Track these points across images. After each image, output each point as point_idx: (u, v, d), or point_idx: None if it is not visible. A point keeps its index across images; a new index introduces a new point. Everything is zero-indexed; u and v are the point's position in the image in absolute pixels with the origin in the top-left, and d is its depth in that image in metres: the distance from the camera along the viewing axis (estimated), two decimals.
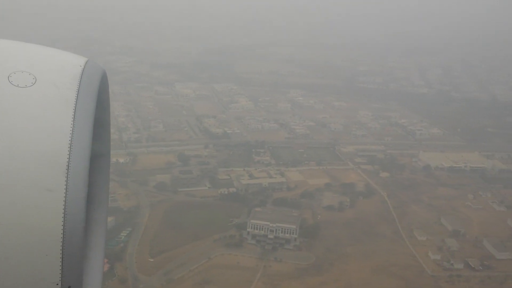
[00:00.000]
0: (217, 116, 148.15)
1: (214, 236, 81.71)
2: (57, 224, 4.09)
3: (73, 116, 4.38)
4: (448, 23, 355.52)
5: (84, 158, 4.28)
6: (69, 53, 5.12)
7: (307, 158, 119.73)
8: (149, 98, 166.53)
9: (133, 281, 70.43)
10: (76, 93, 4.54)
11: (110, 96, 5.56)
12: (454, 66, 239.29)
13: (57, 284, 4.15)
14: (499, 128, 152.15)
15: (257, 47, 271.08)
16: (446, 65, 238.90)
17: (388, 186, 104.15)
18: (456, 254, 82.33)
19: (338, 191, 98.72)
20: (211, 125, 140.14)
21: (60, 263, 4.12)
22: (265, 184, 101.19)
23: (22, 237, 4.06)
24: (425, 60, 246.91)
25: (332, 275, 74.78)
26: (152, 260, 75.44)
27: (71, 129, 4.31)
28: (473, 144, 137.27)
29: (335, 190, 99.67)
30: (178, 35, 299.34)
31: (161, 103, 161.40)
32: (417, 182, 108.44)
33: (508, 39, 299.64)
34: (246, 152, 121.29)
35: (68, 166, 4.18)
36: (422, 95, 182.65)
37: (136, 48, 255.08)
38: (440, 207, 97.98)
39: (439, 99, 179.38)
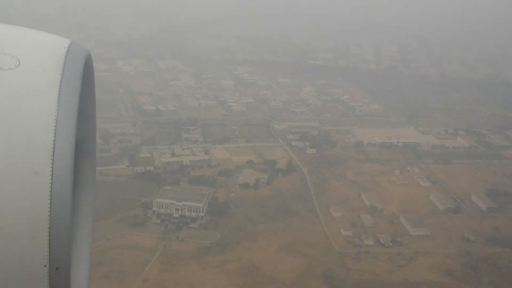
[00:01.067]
0: (153, 94, 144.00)
1: (117, 215, 78.63)
2: (43, 207, 4.08)
3: (57, 99, 4.35)
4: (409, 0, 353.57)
5: (69, 140, 4.26)
6: (52, 34, 4.99)
7: (238, 136, 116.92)
8: None
9: None
10: (61, 75, 4.51)
11: None
12: (411, 43, 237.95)
13: (45, 266, 4.16)
14: (443, 104, 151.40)
15: (211, 24, 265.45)
16: (402, 42, 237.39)
17: (312, 163, 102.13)
18: (369, 231, 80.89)
19: (258, 169, 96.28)
20: (145, 102, 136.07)
21: (48, 245, 4.12)
22: (186, 162, 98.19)
23: (8, 220, 4.04)
24: (381, 37, 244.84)
25: (235, 254, 72.55)
26: None
27: (56, 111, 4.28)
28: (413, 120, 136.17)
29: (256, 167, 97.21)
30: (132, 11, 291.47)
31: (97, 80, 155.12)
32: (344, 158, 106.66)
33: (467, 16, 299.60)
34: (176, 129, 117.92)
35: (53, 148, 4.16)
36: (370, 71, 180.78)
37: (88, 25, 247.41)
38: (363, 183, 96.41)
39: (387, 75, 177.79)
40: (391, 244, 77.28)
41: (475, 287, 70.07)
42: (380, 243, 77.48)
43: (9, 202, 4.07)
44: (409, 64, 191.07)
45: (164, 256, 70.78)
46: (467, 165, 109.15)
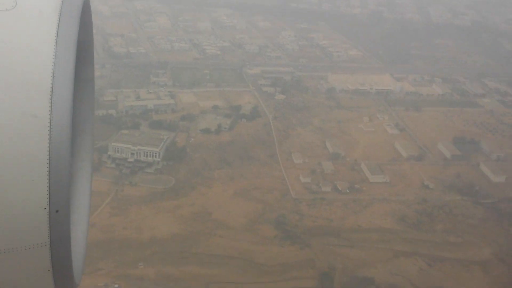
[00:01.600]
0: (126, 35, 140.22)
1: None
2: (42, 150, 4.07)
3: (55, 40, 4.28)
4: None
5: (67, 83, 4.21)
6: None
7: (209, 80, 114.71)
8: None
9: None
10: (58, 16, 4.40)
11: None
12: None
13: (45, 208, 4.17)
14: (423, 50, 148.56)
15: None
16: None
17: (279, 109, 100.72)
18: (329, 178, 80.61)
19: (222, 114, 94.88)
20: (116, 44, 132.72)
21: (47, 188, 4.12)
22: (150, 106, 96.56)
23: (7, 163, 4.02)
24: None
25: (188, 199, 72.35)
26: None
27: (54, 53, 4.22)
28: (391, 66, 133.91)
29: (220, 112, 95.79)
30: None
31: None
32: (313, 105, 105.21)
33: None
34: (145, 73, 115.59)
35: (51, 91, 4.12)
36: (354, 16, 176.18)
37: None
38: (329, 130, 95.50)
39: (371, 20, 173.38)
40: (348, 191, 77.17)
41: (427, 233, 70.44)
42: (337, 190, 77.36)
43: (8, 145, 4.03)
44: (395, 9, 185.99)
45: (115, 201, 70.51)
46: (439, 113, 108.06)
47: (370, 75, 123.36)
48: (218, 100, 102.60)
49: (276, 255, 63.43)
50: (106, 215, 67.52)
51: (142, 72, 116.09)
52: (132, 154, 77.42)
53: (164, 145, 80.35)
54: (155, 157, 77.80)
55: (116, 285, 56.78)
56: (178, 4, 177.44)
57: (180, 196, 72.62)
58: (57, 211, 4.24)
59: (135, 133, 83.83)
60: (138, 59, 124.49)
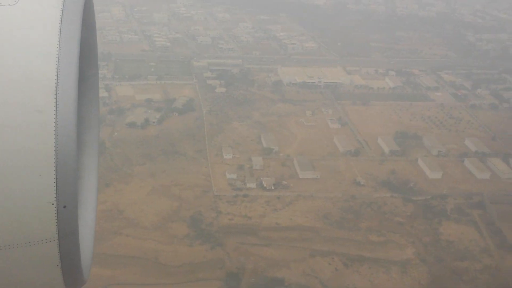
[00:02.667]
0: None
1: None
2: (49, 145, 4.12)
3: (59, 35, 4.29)
4: None
5: (72, 78, 4.23)
6: None
7: (154, 72, 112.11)
8: None
9: None
10: (61, 11, 4.43)
11: None
12: None
13: (53, 203, 4.24)
14: (384, 42, 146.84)
15: None
16: None
17: (217, 102, 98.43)
18: (257, 174, 78.56)
19: (154, 107, 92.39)
20: None
21: (55, 183, 4.17)
22: None
23: (14, 159, 4.08)
24: None
25: (101, 197, 69.66)
26: None
27: (58, 48, 4.24)
28: (347, 59, 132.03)
29: (152, 106, 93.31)
30: None
31: None
32: (256, 98, 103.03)
33: None
34: None
35: (56, 86, 4.15)
36: (317, 6, 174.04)
37: None
38: (267, 124, 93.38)
39: (334, 11, 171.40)
40: (273, 188, 75.10)
41: (349, 232, 68.60)
42: (262, 187, 75.26)
43: (14, 141, 4.05)
44: (361, 0, 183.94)
45: None
46: (387, 107, 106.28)
47: (322, 67, 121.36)
48: (155, 93, 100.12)
49: (183, 255, 61.32)
50: None
51: None
52: None
53: None
54: None
55: None
56: None
57: None
58: (64, 207, 4.28)
59: None
60: None
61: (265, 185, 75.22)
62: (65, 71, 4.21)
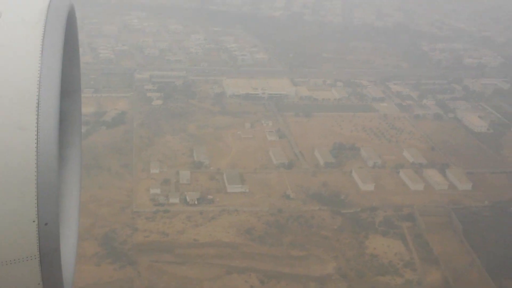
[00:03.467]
0: None
1: None
2: (30, 162, 4.10)
3: (41, 52, 4.30)
4: None
5: (54, 94, 4.22)
6: None
7: (93, 85, 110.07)
8: None
9: None
10: (43, 27, 4.43)
11: None
12: None
13: (34, 221, 4.21)
14: (337, 53, 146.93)
15: None
16: None
17: (152, 115, 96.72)
18: (182, 188, 76.80)
19: (83, 121, 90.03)
20: None
21: (36, 201, 4.16)
22: None
23: None
24: None
25: None
26: None
27: (40, 65, 4.25)
28: (297, 70, 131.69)
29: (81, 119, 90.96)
30: None
31: None
32: (194, 110, 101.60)
33: None
34: None
35: (38, 103, 4.15)
36: (274, 18, 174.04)
37: None
38: (202, 137, 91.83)
39: (290, 22, 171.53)
40: (196, 202, 73.34)
41: (271, 247, 67.02)
42: (186, 202, 73.47)
43: None
44: (319, 12, 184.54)
45: None
46: (329, 118, 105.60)
47: (269, 79, 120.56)
48: (88, 106, 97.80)
49: (88, 275, 58.98)
50: None
51: None
52: None
53: None
54: None
55: None
56: (88, 6, 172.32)
57: None
58: (46, 224, 4.26)
59: None
60: None
61: (188, 200, 73.47)
62: (47, 88, 4.18)
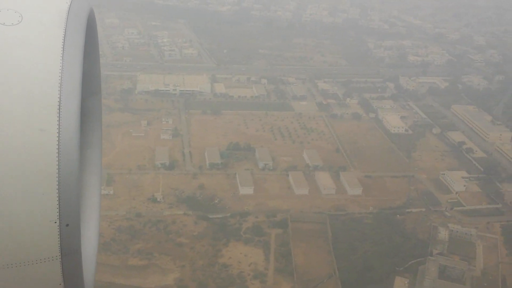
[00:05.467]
0: None
1: None
2: (52, 164, 4.18)
3: (61, 55, 4.38)
4: None
5: (75, 96, 4.31)
6: None
7: None
8: None
9: None
10: (64, 30, 4.52)
11: None
12: None
13: (55, 222, 4.29)
14: (274, 50, 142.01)
15: None
16: None
17: None
18: None
19: None
20: None
21: (57, 202, 4.24)
22: None
23: (17, 178, 4.15)
24: None
25: None
26: None
27: (61, 67, 4.33)
28: (225, 66, 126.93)
29: None
30: None
31: None
32: None
33: None
34: None
35: (59, 105, 4.22)
36: (220, 13, 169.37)
37: None
38: None
39: (236, 18, 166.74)
40: None
41: (114, 255, 62.29)
42: None
43: (17, 160, 4.12)
44: (270, 7, 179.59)
45: None
46: (238, 116, 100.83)
47: (187, 75, 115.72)
48: None
49: None
50: None
51: None
52: None
53: None
54: None
55: None
56: None
57: None
58: (67, 225, 4.32)
59: None
60: None
61: None
62: (68, 89, 4.24)
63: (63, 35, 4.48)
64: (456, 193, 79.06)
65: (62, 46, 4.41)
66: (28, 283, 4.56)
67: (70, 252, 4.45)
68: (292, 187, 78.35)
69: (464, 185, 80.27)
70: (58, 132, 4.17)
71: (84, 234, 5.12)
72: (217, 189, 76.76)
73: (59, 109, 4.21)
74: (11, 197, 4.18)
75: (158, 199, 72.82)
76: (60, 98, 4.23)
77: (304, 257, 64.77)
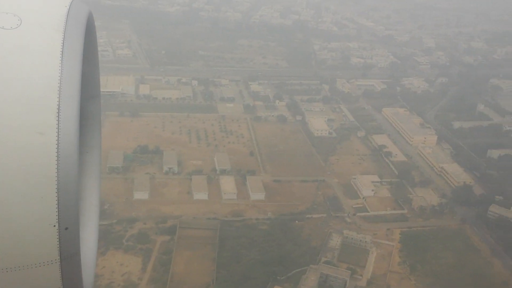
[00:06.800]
0: None
1: None
2: (51, 167, 4.17)
3: (60, 58, 4.40)
4: None
5: (74, 100, 4.32)
6: None
7: None
8: None
9: None
10: (63, 34, 4.54)
11: None
12: None
13: (54, 225, 4.28)
14: (214, 51, 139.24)
15: None
16: None
17: None
18: None
19: None
20: None
21: (56, 205, 4.23)
22: None
23: (16, 181, 4.14)
24: None
25: None
26: None
27: (60, 71, 4.34)
28: (160, 68, 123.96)
29: None
30: None
31: None
32: None
33: None
34: None
35: (58, 108, 4.23)
36: (167, 13, 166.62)
37: None
38: None
39: (184, 18, 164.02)
40: None
41: None
42: None
43: (16, 163, 4.11)
44: (221, 8, 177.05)
45: None
46: (157, 118, 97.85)
47: (112, 76, 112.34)
48: None
49: None
50: None
51: None
52: None
53: None
54: None
55: None
56: None
57: None
58: (66, 228, 4.31)
59: None
60: None
61: None
62: (67, 93, 4.24)
63: (62, 39, 4.47)
64: (363, 198, 76.51)
65: (61, 50, 4.41)
66: (27, 287, 4.52)
67: (69, 255, 4.43)
68: (192, 191, 75.38)
69: (373, 190, 77.78)
70: (57, 136, 4.15)
71: (83, 238, 5.05)
72: (110, 194, 73.48)
73: (58, 112, 4.19)
74: (10, 200, 4.12)
75: None
76: (59, 101, 4.22)
77: (184, 266, 61.76)
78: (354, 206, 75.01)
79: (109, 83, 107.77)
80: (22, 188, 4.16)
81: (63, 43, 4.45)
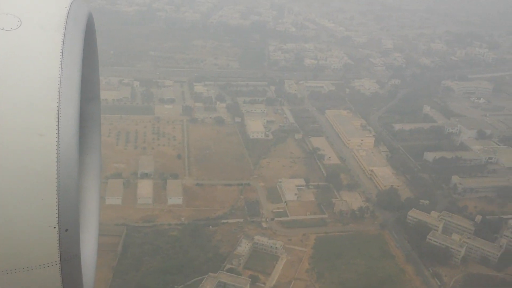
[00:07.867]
0: None
1: None
2: (51, 169, 4.14)
3: (60, 59, 4.37)
4: None
5: (74, 102, 4.29)
6: None
7: None
8: None
9: None
10: (63, 35, 4.50)
11: None
12: None
13: (54, 227, 4.24)
14: (166, 52, 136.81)
15: None
16: None
17: None
18: None
19: None
20: None
21: (56, 207, 4.19)
22: None
23: (16, 183, 4.11)
24: None
25: None
26: None
27: (59, 72, 4.31)
28: (105, 68, 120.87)
29: None
30: None
31: None
32: None
33: None
34: None
35: (58, 110, 4.20)
36: (123, 13, 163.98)
37: None
38: None
39: (140, 19, 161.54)
40: None
41: None
42: None
43: (16, 165, 4.08)
44: (181, 8, 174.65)
45: None
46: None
47: None
48: None
49: None
50: None
51: None
52: None
53: None
54: None
55: None
56: None
57: None
58: (66, 230, 4.27)
59: None
60: None
61: None
62: (67, 95, 4.21)
63: (62, 40, 4.42)
64: (285, 202, 74.17)
65: (61, 51, 4.36)
66: None
67: (69, 257, 4.38)
68: (105, 195, 72.72)
69: (296, 194, 75.43)
70: (57, 137, 4.11)
71: (83, 239, 5.00)
72: None
73: (58, 114, 4.15)
74: (11, 202, 4.08)
75: None
76: (59, 103, 4.18)
77: None
78: (274, 210, 72.66)
79: None
80: (22, 190, 4.09)
81: (63, 45, 4.40)
